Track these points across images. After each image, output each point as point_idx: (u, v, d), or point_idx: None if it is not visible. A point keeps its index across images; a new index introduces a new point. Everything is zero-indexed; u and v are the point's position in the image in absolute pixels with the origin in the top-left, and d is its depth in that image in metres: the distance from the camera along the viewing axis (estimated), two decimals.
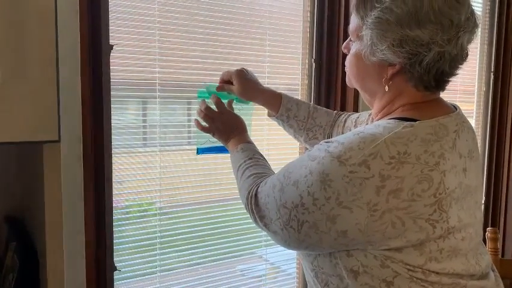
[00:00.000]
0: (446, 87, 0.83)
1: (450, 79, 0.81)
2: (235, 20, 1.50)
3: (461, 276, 0.76)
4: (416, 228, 0.71)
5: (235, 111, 1.13)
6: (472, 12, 0.77)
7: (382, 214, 0.70)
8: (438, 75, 0.78)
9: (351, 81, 0.89)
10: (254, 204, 0.84)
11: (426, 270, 0.73)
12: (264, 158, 1.00)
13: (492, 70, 2.15)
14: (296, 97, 1.22)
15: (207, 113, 1.08)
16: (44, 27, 0.84)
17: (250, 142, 1.05)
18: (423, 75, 0.77)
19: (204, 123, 1.09)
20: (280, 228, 0.78)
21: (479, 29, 0.79)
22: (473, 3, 0.87)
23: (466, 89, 2.18)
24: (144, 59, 1.35)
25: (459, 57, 0.78)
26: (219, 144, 1.11)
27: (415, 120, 0.76)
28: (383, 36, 0.76)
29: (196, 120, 1.10)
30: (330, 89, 1.68)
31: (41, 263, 0.98)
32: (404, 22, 0.74)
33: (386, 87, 0.80)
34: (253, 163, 0.96)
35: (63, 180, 0.94)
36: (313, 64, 1.67)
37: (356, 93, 1.63)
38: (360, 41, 0.81)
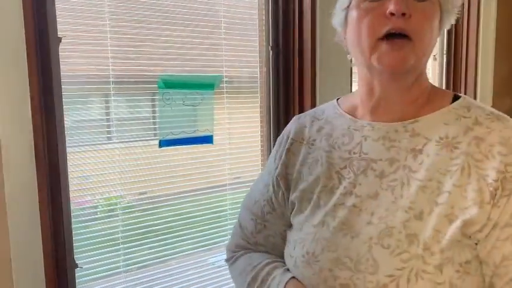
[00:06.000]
0: None
1: None
2: (190, 9, 1.48)
3: None
4: None
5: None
6: None
7: None
8: None
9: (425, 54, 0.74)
10: None
11: None
12: None
13: (445, 52, 2.23)
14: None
15: None
16: None
17: None
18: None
19: None
20: None
21: None
22: None
23: None
24: (96, 51, 1.32)
25: None
26: (181, 136, 1.10)
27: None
28: None
29: None
30: (288, 76, 1.69)
31: None
32: None
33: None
34: None
35: (12, 177, 0.91)
36: (271, 52, 1.68)
37: (313, 79, 1.65)
38: None
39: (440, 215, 0.68)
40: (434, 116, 0.75)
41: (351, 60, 0.81)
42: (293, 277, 0.77)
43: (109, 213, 1.41)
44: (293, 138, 0.86)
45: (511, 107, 2.43)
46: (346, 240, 0.72)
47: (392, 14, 0.69)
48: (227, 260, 0.94)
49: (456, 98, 0.78)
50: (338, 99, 0.88)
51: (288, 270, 0.80)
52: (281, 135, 0.90)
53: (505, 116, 0.74)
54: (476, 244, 0.69)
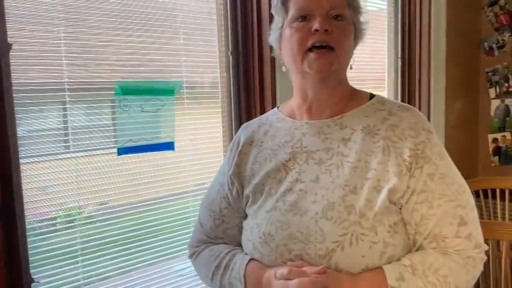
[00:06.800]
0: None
1: None
2: (148, 15, 1.46)
3: None
4: None
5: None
6: None
7: None
8: None
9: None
10: None
11: None
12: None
13: (399, 56, 2.31)
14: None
15: None
16: None
17: None
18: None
19: None
20: None
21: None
22: None
23: (377, 76, 2.32)
24: (50, 58, 1.28)
25: None
26: (140, 143, 1.10)
27: None
28: None
29: None
30: (248, 80, 1.70)
31: None
32: None
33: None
34: None
35: None
36: (231, 56, 1.68)
37: (274, 83, 1.67)
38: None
39: (370, 187, 0.85)
40: (357, 111, 0.93)
41: (286, 71, 0.98)
42: (252, 259, 0.91)
43: (68, 225, 1.37)
44: (244, 142, 1.00)
45: (462, 108, 2.55)
46: (296, 219, 0.86)
47: (316, 30, 0.86)
48: (190, 256, 1.03)
49: (372, 96, 0.96)
50: (278, 107, 1.05)
51: (246, 254, 0.93)
52: (232, 141, 1.04)
53: (411, 106, 0.94)
54: (400, 208, 0.85)
